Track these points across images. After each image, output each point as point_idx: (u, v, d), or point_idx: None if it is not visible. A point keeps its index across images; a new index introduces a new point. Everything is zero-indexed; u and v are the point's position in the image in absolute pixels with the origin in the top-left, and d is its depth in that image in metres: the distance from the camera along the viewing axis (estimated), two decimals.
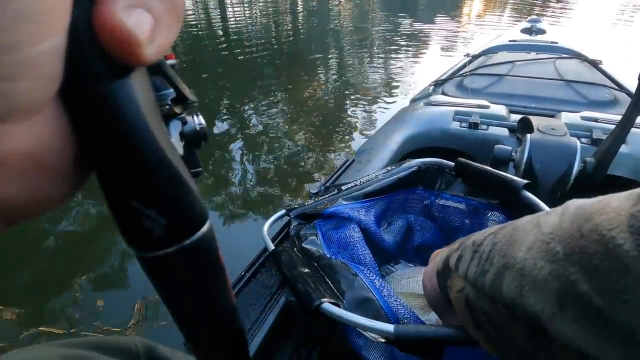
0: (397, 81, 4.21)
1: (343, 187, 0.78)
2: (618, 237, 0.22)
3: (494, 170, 0.72)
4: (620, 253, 0.21)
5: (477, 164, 0.74)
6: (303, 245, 0.65)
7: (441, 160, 0.81)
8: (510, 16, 9.03)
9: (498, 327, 0.31)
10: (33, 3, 0.07)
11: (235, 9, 9.03)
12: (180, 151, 0.16)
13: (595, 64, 1.60)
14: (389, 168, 0.82)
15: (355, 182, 0.79)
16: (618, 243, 0.22)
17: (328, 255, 0.63)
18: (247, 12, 8.95)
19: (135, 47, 0.09)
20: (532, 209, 0.64)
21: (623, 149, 1.10)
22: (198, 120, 0.14)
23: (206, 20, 7.69)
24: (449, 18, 8.09)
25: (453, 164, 0.79)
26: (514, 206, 0.69)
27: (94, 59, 0.09)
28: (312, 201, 0.75)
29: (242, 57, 5.08)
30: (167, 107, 0.17)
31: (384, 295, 0.53)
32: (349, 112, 3.36)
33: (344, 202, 0.73)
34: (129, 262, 1.77)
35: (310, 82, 4.23)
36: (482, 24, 7.77)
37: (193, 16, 7.63)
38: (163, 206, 0.11)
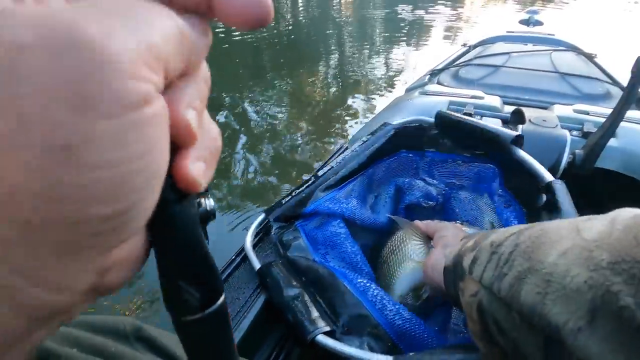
0: (397, 70, 4.19)
1: (320, 173, 0.73)
2: None
3: (479, 122, 0.68)
4: None
5: (459, 115, 0.70)
6: (288, 254, 0.62)
7: (420, 117, 0.77)
8: (515, 3, 8.94)
9: (508, 336, 0.29)
10: (159, 169, 0.12)
11: None
12: None
13: (590, 58, 1.60)
14: (364, 139, 0.77)
15: (331, 165, 0.74)
16: None
17: (316, 263, 0.60)
18: None
19: (197, 186, 0.14)
20: (521, 164, 0.62)
21: (613, 142, 1.12)
22: (209, 203, 0.18)
23: None
24: (451, 8, 8.01)
25: (433, 119, 0.75)
26: (504, 160, 0.66)
27: (169, 191, 0.13)
28: (289, 197, 0.71)
29: (241, 48, 5.05)
30: None
31: (379, 308, 0.51)
32: (349, 102, 3.36)
33: (322, 195, 0.70)
34: None
35: (310, 72, 4.21)
36: (484, 13, 7.70)
37: None
38: (199, 284, 0.16)
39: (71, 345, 0.27)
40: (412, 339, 0.50)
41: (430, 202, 0.75)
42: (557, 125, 0.96)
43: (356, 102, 3.35)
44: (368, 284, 0.55)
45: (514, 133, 0.62)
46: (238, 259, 0.68)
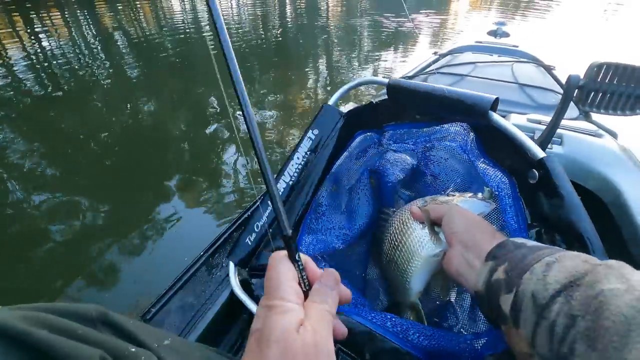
0: (383, 76, 4.29)
1: (282, 191, 0.62)
2: None
3: (446, 87, 0.60)
4: None
5: (410, 82, 0.63)
6: None
7: (358, 80, 0.70)
8: (497, 11, 9.16)
9: None
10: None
11: (222, 6, 9.00)
12: None
13: (548, 69, 1.70)
14: (310, 136, 0.67)
15: (289, 182, 0.63)
16: None
17: None
18: (234, 9, 8.93)
19: None
20: (501, 131, 0.56)
21: (559, 149, 1.21)
22: None
23: (193, 18, 7.66)
24: (434, 16, 8.19)
25: (376, 79, 0.69)
26: (480, 128, 0.60)
27: None
28: (250, 239, 0.59)
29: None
30: None
31: (402, 337, 0.47)
32: None
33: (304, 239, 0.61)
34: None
35: (298, 78, 4.30)
36: (466, 22, 7.89)
37: (181, 15, 7.61)
38: None
39: (40, 326, 0.28)
40: (443, 353, 0.46)
41: (407, 176, 0.68)
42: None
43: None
44: (383, 316, 0.50)
45: (492, 97, 0.55)
46: (205, 256, 0.74)
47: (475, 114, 0.56)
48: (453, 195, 0.55)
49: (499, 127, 0.56)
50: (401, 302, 0.58)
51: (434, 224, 0.53)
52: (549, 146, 1.21)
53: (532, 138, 1.24)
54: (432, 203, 0.56)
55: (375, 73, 4.48)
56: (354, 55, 5.28)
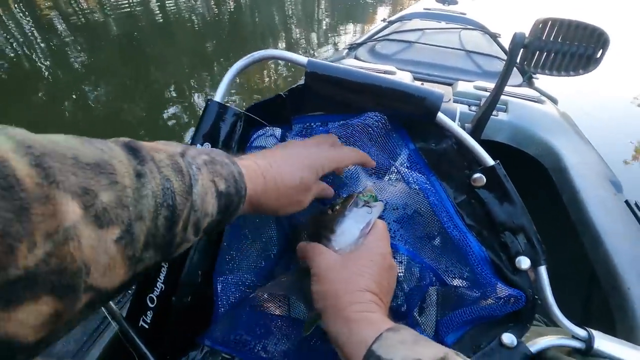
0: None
1: None
2: None
3: (368, 73, 0.47)
4: None
5: (337, 67, 0.46)
6: None
7: (266, 53, 0.50)
8: None
9: None
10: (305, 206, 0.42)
11: None
12: None
13: (494, 37, 1.71)
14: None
15: None
16: None
17: None
18: None
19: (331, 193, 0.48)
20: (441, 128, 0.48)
21: (504, 117, 1.21)
22: None
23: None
24: None
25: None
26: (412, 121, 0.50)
27: None
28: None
29: (183, 36, 4.73)
30: None
31: None
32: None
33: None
34: None
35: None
36: None
37: None
38: None
39: None
40: None
41: None
42: (450, 100, 1.01)
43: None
44: None
45: (441, 92, 0.46)
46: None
47: (420, 110, 0.46)
48: (334, 211, 0.44)
49: (447, 129, 0.48)
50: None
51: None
52: (495, 113, 1.20)
53: (478, 105, 1.23)
54: (311, 222, 0.47)
55: (336, 48, 4.34)
56: (313, 31, 5.11)
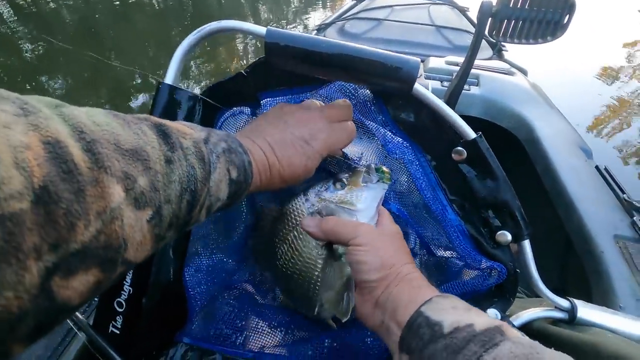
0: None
1: None
2: None
3: (335, 42, 0.41)
4: None
5: (299, 36, 0.40)
6: None
7: (220, 25, 0.44)
8: None
9: None
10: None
11: None
12: None
13: (463, 11, 1.70)
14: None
15: None
16: None
17: None
18: None
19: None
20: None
21: (476, 90, 1.21)
22: None
23: None
24: None
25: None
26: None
27: None
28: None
29: (142, 17, 4.50)
30: None
31: None
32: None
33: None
34: None
35: (226, 37, 3.93)
36: None
37: None
38: None
39: None
40: None
41: None
42: (421, 76, 1.00)
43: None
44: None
45: (417, 60, 0.43)
46: None
47: (395, 82, 0.42)
48: (342, 188, 0.44)
49: (425, 102, 0.44)
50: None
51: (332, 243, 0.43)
52: (467, 87, 1.20)
53: (450, 81, 1.22)
54: (320, 203, 0.44)
55: (306, 29, 4.24)
56: (282, 10, 4.97)
